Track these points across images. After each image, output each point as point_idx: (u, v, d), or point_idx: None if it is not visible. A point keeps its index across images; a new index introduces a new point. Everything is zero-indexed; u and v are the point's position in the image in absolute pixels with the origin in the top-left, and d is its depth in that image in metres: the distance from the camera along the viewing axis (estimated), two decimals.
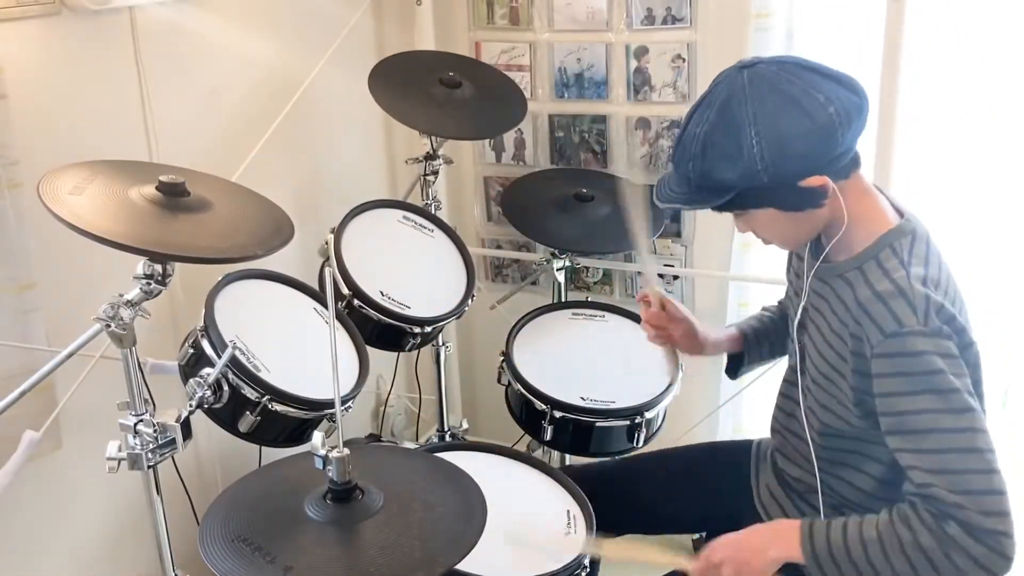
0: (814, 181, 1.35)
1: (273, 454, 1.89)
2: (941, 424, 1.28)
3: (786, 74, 1.34)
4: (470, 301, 2.13)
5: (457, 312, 2.08)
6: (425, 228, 2.23)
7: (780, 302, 1.84)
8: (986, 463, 1.27)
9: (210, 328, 1.61)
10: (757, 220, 1.45)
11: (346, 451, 1.25)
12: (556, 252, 2.40)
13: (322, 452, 1.25)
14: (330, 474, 1.26)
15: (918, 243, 1.41)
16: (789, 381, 1.63)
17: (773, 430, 1.69)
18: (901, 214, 1.46)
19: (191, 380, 1.57)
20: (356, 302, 1.94)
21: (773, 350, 1.83)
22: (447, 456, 1.78)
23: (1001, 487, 1.26)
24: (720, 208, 1.41)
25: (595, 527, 1.63)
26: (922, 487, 1.28)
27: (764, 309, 1.87)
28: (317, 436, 1.27)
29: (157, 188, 1.48)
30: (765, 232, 1.48)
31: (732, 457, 1.79)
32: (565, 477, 1.78)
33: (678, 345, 1.83)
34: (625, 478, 1.86)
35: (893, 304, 1.32)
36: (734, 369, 1.88)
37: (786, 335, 1.75)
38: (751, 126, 1.31)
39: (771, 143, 1.31)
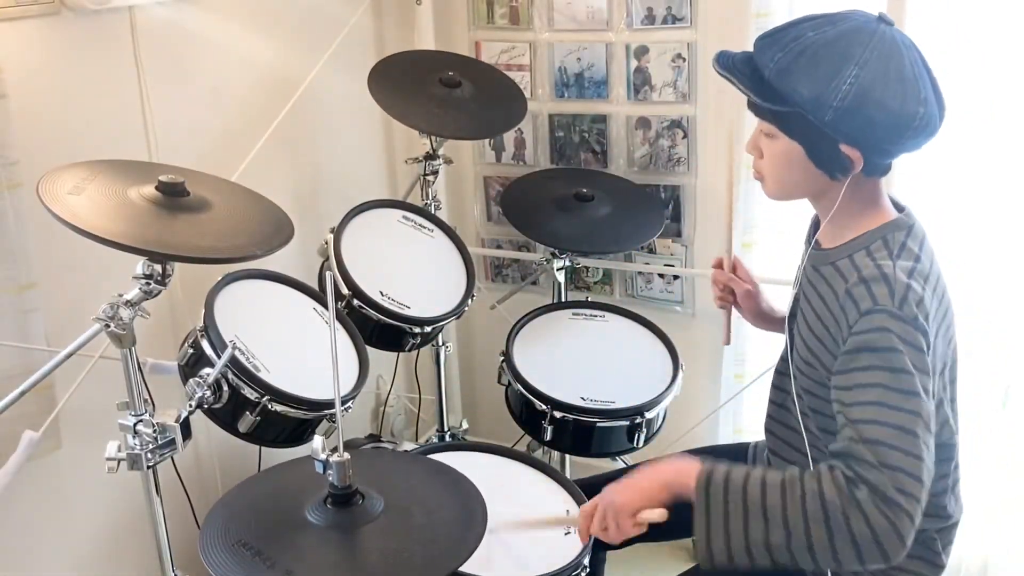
0: (853, 152, 1.35)
1: (273, 454, 1.90)
2: (886, 400, 1.27)
3: (911, 54, 1.35)
4: (470, 301, 2.13)
5: (457, 312, 2.08)
6: (425, 228, 2.23)
7: None
8: (917, 448, 1.24)
9: (210, 328, 1.61)
10: (778, 147, 1.42)
11: (347, 456, 1.25)
12: (556, 252, 2.40)
13: (323, 456, 1.25)
14: (331, 479, 1.25)
15: (912, 238, 1.41)
16: (781, 372, 1.64)
17: (767, 430, 1.69)
18: (901, 210, 1.46)
19: (191, 380, 1.57)
20: (356, 302, 1.94)
21: None
22: (447, 456, 1.80)
23: (922, 476, 1.23)
24: (763, 111, 1.39)
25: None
26: (848, 446, 1.26)
27: None
28: (318, 440, 1.27)
29: (157, 188, 1.48)
30: (771, 163, 1.45)
31: (731, 461, 1.79)
32: (565, 477, 1.78)
33: (740, 308, 1.80)
34: None
35: (874, 287, 1.33)
36: None
37: None
38: (856, 67, 1.30)
39: (860, 94, 1.30)
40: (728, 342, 1.88)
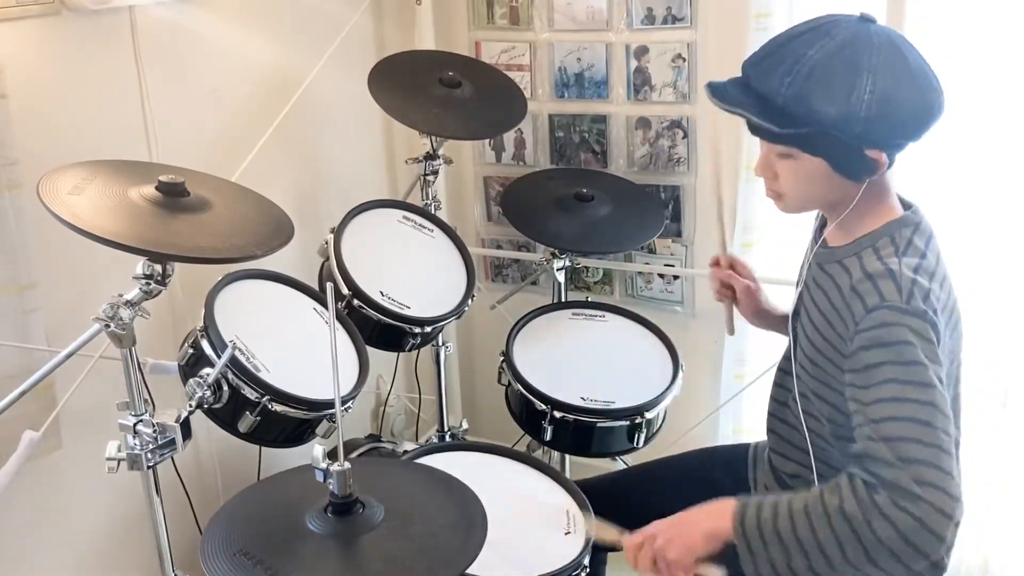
0: (878, 155, 1.34)
1: (273, 454, 1.90)
2: (900, 394, 1.26)
3: (906, 45, 1.34)
4: (470, 301, 2.13)
5: (457, 312, 2.08)
6: (425, 228, 2.23)
7: None
8: (936, 438, 1.23)
9: (210, 328, 1.61)
10: (797, 166, 1.39)
11: (347, 465, 1.24)
12: (556, 252, 2.40)
13: (323, 466, 1.25)
14: (331, 487, 1.25)
15: (919, 235, 1.41)
16: (783, 370, 1.63)
17: (769, 429, 1.69)
18: (908, 207, 1.46)
19: (191, 380, 1.57)
20: (356, 302, 1.94)
21: None
22: (447, 456, 1.80)
23: (943, 464, 1.21)
24: (780, 138, 1.35)
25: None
26: (866, 446, 1.25)
27: None
28: (318, 449, 1.26)
29: (157, 188, 1.48)
30: (793, 181, 1.42)
31: (730, 461, 1.79)
32: (565, 477, 1.78)
33: (739, 304, 1.79)
34: (624, 490, 1.85)
35: (880, 283, 1.33)
36: None
37: None
38: (870, 74, 1.29)
39: (881, 99, 1.29)
40: (732, 332, 1.87)
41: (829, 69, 1.31)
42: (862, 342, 1.32)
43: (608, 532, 1.52)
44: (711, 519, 1.37)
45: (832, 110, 1.30)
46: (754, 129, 1.40)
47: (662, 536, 1.40)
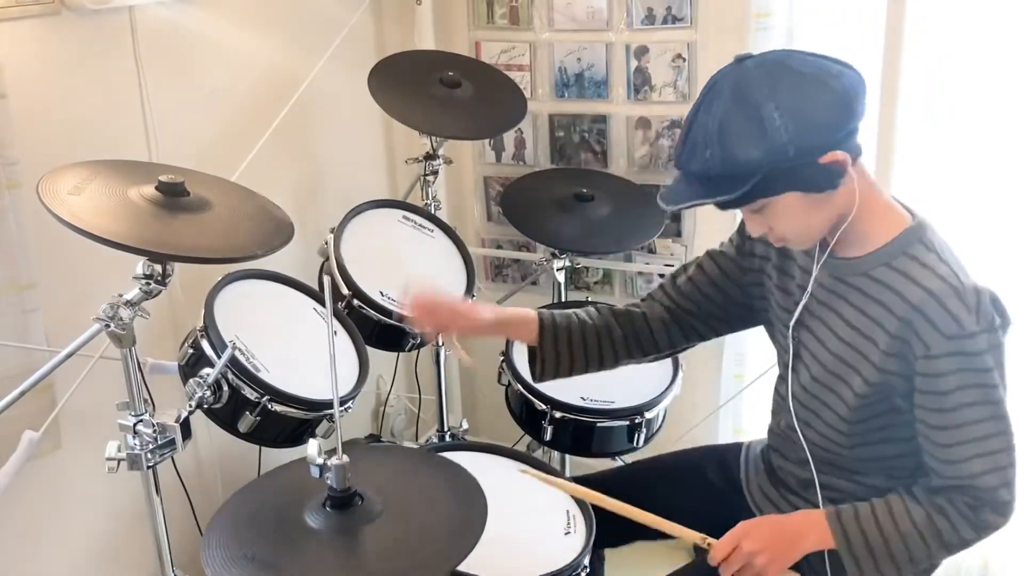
0: (834, 156, 1.34)
1: (273, 454, 1.90)
2: (985, 415, 1.35)
3: (791, 58, 1.35)
4: (470, 301, 2.13)
5: None
6: (425, 228, 2.23)
7: (626, 308, 1.69)
8: (1010, 442, 1.38)
9: (210, 328, 1.61)
10: (777, 210, 1.40)
11: (345, 459, 1.24)
12: (556, 252, 2.40)
13: (319, 462, 1.25)
14: (329, 481, 1.25)
15: (938, 235, 1.43)
16: (783, 378, 1.63)
17: (770, 431, 1.69)
18: (908, 210, 1.46)
19: (191, 380, 1.57)
20: (356, 302, 1.95)
21: (575, 362, 1.64)
22: (447, 456, 1.79)
23: (1015, 460, 1.38)
24: (741, 200, 1.36)
25: (595, 528, 1.63)
26: (967, 477, 1.37)
27: (592, 305, 1.74)
28: (313, 445, 1.26)
29: (157, 188, 1.48)
30: (784, 223, 1.43)
31: (724, 460, 1.78)
32: (565, 477, 1.78)
33: (452, 327, 1.60)
34: (623, 488, 1.84)
35: (950, 304, 1.33)
36: (532, 365, 1.66)
37: (604, 344, 1.65)
38: (769, 101, 1.30)
39: (793, 115, 1.29)
40: (470, 362, 1.62)
41: (731, 122, 1.32)
42: (940, 368, 1.35)
43: (688, 534, 1.50)
44: (813, 542, 1.46)
45: (758, 152, 1.31)
46: (719, 206, 1.40)
47: (764, 555, 1.44)
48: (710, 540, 1.47)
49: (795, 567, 1.46)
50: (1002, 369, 1.37)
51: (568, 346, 1.63)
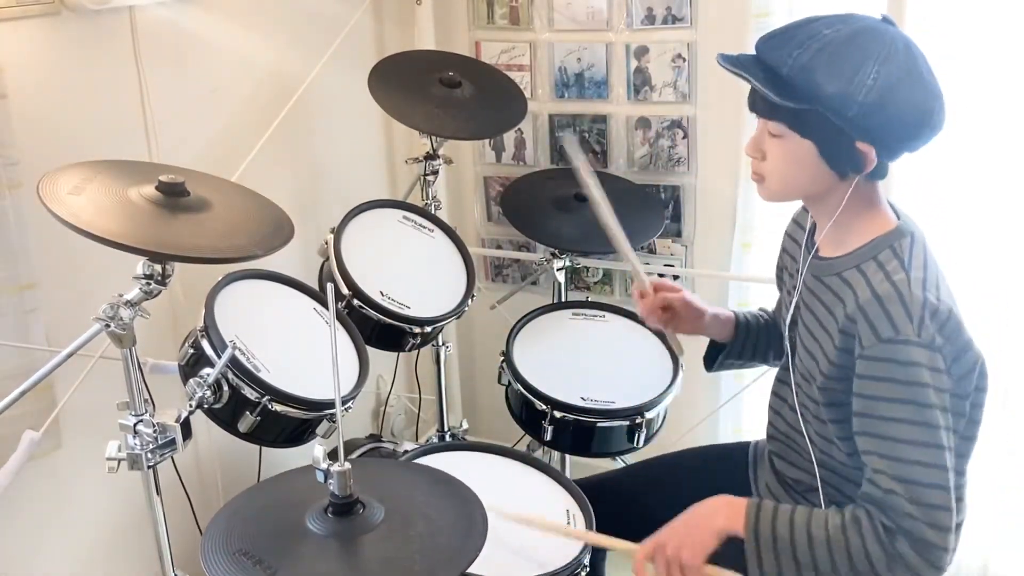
0: (868, 150, 1.35)
1: (273, 454, 1.90)
2: (914, 436, 1.31)
3: (920, 53, 1.35)
4: (470, 301, 2.13)
5: (457, 312, 2.08)
6: (425, 228, 2.23)
7: (774, 310, 1.82)
8: (945, 480, 1.31)
9: (210, 328, 1.61)
10: (787, 147, 1.40)
11: (348, 465, 1.24)
12: (556, 252, 2.40)
13: (324, 466, 1.25)
14: (331, 488, 1.25)
15: (916, 245, 1.41)
16: (782, 380, 1.63)
17: (769, 436, 1.69)
18: (897, 215, 1.46)
19: (191, 380, 1.57)
20: (356, 302, 1.94)
21: (756, 352, 1.80)
22: (447, 456, 1.80)
23: (950, 505, 1.31)
24: (777, 110, 1.36)
25: (595, 527, 1.63)
26: (886, 493, 1.32)
27: (761, 310, 1.86)
28: (319, 450, 1.26)
29: (157, 188, 1.47)
30: (778, 163, 1.42)
31: (730, 459, 1.79)
32: (565, 477, 1.78)
33: (679, 321, 1.77)
34: (623, 488, 1.85)
35: (891, 308, 1.32)
36: (712, 358, 1.84)
37: (772, 342, 1.76)
38: (877, 63, 1.30)
39: (884, 89, 1.30)
40: (682, 352, 1.93)
41: (839, 49, 1.32)
42: (874, 371, 1.33)
43: (618, 544, 1.52)
44: (724, 519, 1.41)
45: (832, 88, 1.31)
46: (752, 104, 1.41)
47: (672, 543, 1.41)
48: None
49: (736, 568, 1.41)
50: (944, 398, 1.31)
51: (755, 341, 1.79)
